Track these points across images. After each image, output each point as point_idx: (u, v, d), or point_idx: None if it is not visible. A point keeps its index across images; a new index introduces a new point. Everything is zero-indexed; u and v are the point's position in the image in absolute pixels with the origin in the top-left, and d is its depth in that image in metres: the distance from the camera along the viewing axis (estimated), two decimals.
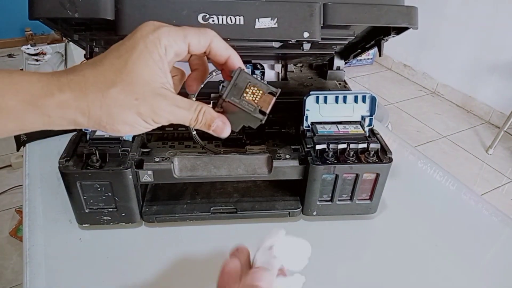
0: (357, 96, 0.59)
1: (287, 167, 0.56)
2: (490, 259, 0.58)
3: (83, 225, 0.58)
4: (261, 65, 0.65)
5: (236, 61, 0.37)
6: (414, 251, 0.58)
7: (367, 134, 0.59)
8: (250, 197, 0.63)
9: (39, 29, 3.36)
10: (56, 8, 0.44)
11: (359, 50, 0.68)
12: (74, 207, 0.56)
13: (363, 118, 0.61)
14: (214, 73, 0.62)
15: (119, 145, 0.54)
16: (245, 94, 0.35)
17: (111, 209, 0.56)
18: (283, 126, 0.66)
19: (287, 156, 0.57)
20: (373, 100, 0.59)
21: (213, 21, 0.47)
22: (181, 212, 0.59)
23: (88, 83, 0.30)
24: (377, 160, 0.56)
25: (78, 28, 0.55)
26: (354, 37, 0.60)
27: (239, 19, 0.47)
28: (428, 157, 0.79)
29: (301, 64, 0.81)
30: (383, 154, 0.57)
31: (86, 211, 0.56)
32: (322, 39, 0.50)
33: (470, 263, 0.57)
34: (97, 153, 0.52)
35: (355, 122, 0.60)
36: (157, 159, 0.55)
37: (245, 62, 0.64)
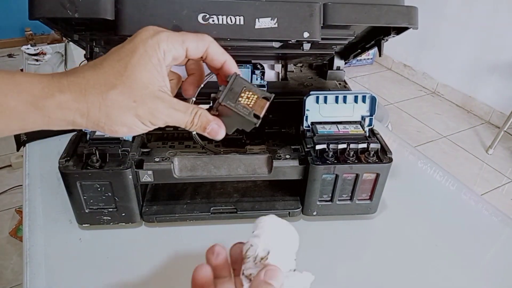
0: (357, 96, 0.59)
1: (287, 167, 0.56)
2: (490, 259, 0.58)
3: (83, 225, 0.58)
4: (261, 65, 0.65)
5: (231, 66, 0.38)
6: (414, 251, 0.58)
7: (367, 134, 0.59)
8: (250, 197, 0.63)
9: (39, 29, 3.36)
10: (56, 8, 0.44)
11: (359, 50, 0.68)
12: (74, 207, 0.56)
13: (363, 118, 0.61)
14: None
15: (119, 145, 0.54)
16: (240, 99, 0.36)
17: (111, 209, 0.56)
18: (283, 126, 0.66)
19: (287, 156, 0.57)
20: (373, 100, 0.59)
21: (213, 21, 0.47)
22: (181, 212, 0.59)
23: (88, 85, 0.31)
24: (377, 160, 0.56)
25: (78, 28, 0.55)
26: (354, 37, 0.60)
27: (239, 19, 0.47)
28: (428, 157, 0.79)
29: (301, 64, 0.81)
30: (383, 154, 0.57)
31: (86, 211, 0.56)
32: (322, 39, 0.50)
33: (470, 263, 0.57)
34: (97, 153, 0.52)
35: (355, 122, 0.60)
36: (157, 159, 0.55)
37: (245, 62, 0.64)
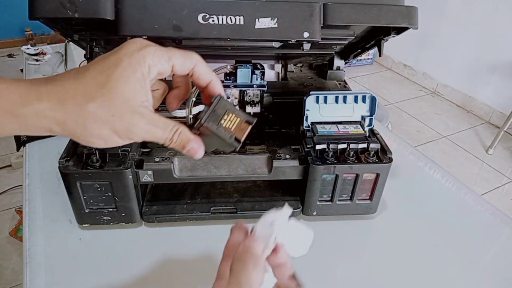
0: (357, 96, 0.59)
1: (287, 167, 0.56)
2: (490, 259, 0.58)
3: (83, 225, 0.58)
4: (261, 65, 0.65)
5: (217, 87, 0.38)
6: (414, 251, 0.58)
7: (367, 134, 0.59)
8: (250, 197, 0.63)
9: (39, 29, 3.36)
10: (56, 8, 0.44)
11: (359, 50, 0.68)
12: (74, 207, 0.56)
13: (363, 118, 0.61)
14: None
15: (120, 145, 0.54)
16: (222, 121, 0.36)
17: (111, 209, 0.56)
18: (283, 126, 0.66)
19: (287, 156, 0.57)
20: (373, 100, 0.59)
21: (213, 21, 0.47)
22: (181, 212, 0.59)
23: (67, 94, 0.31)
24: (377, 160, 0.56)
25: (78, 28, 0.55)
26: (354, 37, 0.60)
27: (239, 19, 0.47)
28: (428, 157, 0.79)
29: (301, 64, 0.81)
30: (383, 154, 0.57)
31: (86, 211, 0.56)
32: (322, 39, 0.50)
33: (470, 263, 0.57)
34: (97, 153, 0.52)
35: (355, 122, 0.60)
36: (157, 159, 0.55)
37: (245, 62, 0.64)
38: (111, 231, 0.58)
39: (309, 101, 0.59)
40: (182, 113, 0.60)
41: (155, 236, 0.58)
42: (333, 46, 0.66)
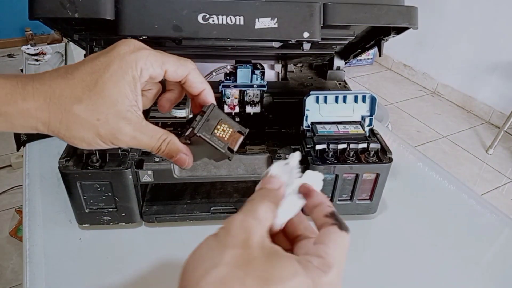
0: (357, 96, 0.59)
1: None
2: (490, 259, 0.58)
3: (83, 225, 0.58)
4: (261, 65, 0.65)
5: (209, 96, 0.37)
6: (414, 251, 0.58)
7: (367, 134, 0.59)
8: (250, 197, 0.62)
9: (39, 29, 3.36)
10: (56, 8, 0.44)
11: (359, 50, 0.68)
12: (74, 207, 0.56)
13: (363, 118, 0.61)
14: (214, 73, 0.62)
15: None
16: (216, 131, 0.36)
17: (111, 209, 0.56)
18: (283, 126, 0.66)
19: (287, 156, 0.57)
20: (373, 100, 0.59)
21: (213, 21, 0.47)
22: (181, 212, 0.59)
23: (53, 95, 0.30)
24: (377, 160, 0.56)
25: (78, 28, 0.55)
26: (354, 37, 0.60)
27: (239, 19, 0.47)
28: (428, 157, 0.79)
29: (301, 64, 0.81)
30: (383, 154, 0.57)
31: (86, 211, 0.56)
32: (322, 39, 0.50)
33: (470, 263, 0.57)
34: (97, 153, 0.52)
35: (355, 122, 0.60)
36: (157, 159, 0.55)
37: (245, 62, 0.64)
38: (111, 231, 0.58)
39: (309, 101, 0.59)
40: (182, 113, 0.60)
41: (155, 236, 0.58)
42: (333, 46, 0.66)
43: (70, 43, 1.01)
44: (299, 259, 0.26)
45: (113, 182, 0.53)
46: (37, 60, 1.19)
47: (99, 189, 0.54)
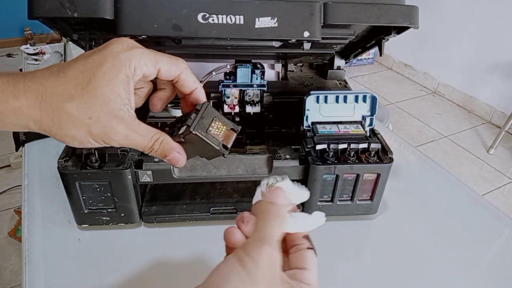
0: (358, 96, 0.59)
1: (287, 167, 0.56)
2: (491, 260, 0.58)
3: (82, 225, 0.58)
4: (261, 65, 0.65)
5: (201, 95, 0.37)
6: (415, 251, 0.58)
7: (368, 134, 0.59)
8: (250, 197, 0.62)
9: (38, 28, 3.36)
10: (55, 7, 0.44)
11: (359, 50, 0.68)
12: (73, 208, 0.55)
13: (363, 118, 0.60)
14: (214, 73, 0.62)
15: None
16: (210, 128, 0.37)
17: (110, 210, 0.56)
18: (283, 126, 0.66)
19: (287, 156, 0.57)
20: (373, 100, 0.59)
21: (212, 20, 0.47)
22: (181, 212, 0.59)
23: (45, 93, 0.30)
24: (377, 160, 0.56)
25: (77, 27, 0.55)
26: (354, 37, 0.60)
27: (239, 18, 0.47)
28: (429, 157, 0.78)
29: (301, 64, 0.80)
30: (383, 154, 0.57)
31: (85, 211, 0.56)
32: (323, 38, 0.50)
33: (471, 263, 0.57)
34: (96, 153, 0.52)
35: (355, 122, 0.60)
36: (156, 159, 0.54)
37: (245, 62, 0.63)
38: (110, 232, 0.58)
39: (310, 101, 0.58)
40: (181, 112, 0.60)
41: (154, 237, 0.58)
42: (333, 46, 0.66)
43: (69, 42, 1.01)
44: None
45: (112, 182, 0.53)
46: (36, 60, 1.18)
47: (98, 189, 0.53)
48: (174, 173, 0.55)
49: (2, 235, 1.59)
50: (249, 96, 0.64)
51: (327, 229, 0.60)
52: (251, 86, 0.63)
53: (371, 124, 0.60)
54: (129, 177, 0.53)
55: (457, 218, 0.65)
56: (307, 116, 0.59)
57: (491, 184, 2.03)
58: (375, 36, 0.60)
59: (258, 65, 0.64)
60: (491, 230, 0.63)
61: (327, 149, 0.56)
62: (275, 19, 0.48)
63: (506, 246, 0.61)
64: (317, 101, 0.59)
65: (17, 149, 0.77)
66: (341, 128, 0.59)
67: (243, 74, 0.62)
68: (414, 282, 0.54)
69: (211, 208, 0.60)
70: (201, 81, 0.53)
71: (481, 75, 2.58)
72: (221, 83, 0.63)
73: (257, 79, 0.63)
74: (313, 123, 0.60)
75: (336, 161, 0.55)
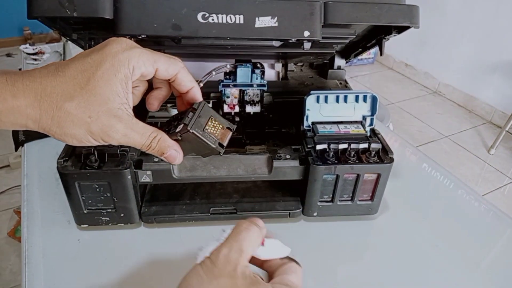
0: (358, 95, 0.59)
1: (288, 168, 0.56)
2: (492, 260, 0.58)
3: (82, 225, 0.57)
4: (261, 64, 0.65)
5: (197, 94, 0.38)
6: (416, 252, 0.58)
7: (368, 134, 0.58)
8: (250, 197, 0.62)
9: (38, 28, 3.36)
10: (54, 7, 0.44)
11: (360, 49, 0.68)
12: (72, 208, 0.55)
13: (364, 117, 0.60)
14: (213, 72, 0.62)
15: (118, 145, 0.53)
16: (207, 127, 0.37)
17: (109, 210, 0.56)
18: (283, 126, 0.66)
19: (288, 156, 0.56)
20: (374, 99, 0.59)
21: (212, 20, 0.46)
22: (181, 212, 0.59)
23: (44, 92, 0.30)
24: (378, 160, 0.56)
25: (76, 27, 0.55)
26: (355, 36, 0.59)
27: (239, 17, 0.47)
28: (429, 157, 0.78)
29: (301, 63, 0.80)
30: (384, 154, 0.57)
31: (85, 211, 0.55)
32: (323, 38, 0.50)
33: (471, 264, 0.57)
34: (96, 153, 0.52)
35: (356, 122, 0.60)
36: (156, 159, 0.54)
37: (245, 61, 0.63)
38: (110, 232, 0.57)
39: (310, 101, 0.58)
40: None
41: (154, 237, 0.58)
42: (333, 45, 0.65)
43: (69, 42, 1.01)
44: (273, 287, 0.31)
45: (112, 182, 0.53)
46: (35, 60, 1.18)
47: (97, 190, 0.53)
48: (174, 173, 0.55)
49: (1, 235, 1.59)
50: (249, 96, 0.64)
51: (328, 230, 0.60)
52: (251, 85, 0.63)
53: (371, 124, 0.60)
54: (129, 177, 0.52)
55: (457, 219, 0.64)
56: (307, 116, 0.59)
57: (491, 184, 2.03)
58: (375, 36, 0.60)
59: (258, 65, 0.64)
60: (492, 230, 0.63)
61: (328, 149, 0.56)
62: (275, 18, 0.47)
63: (507, 247, 0.61)
64: (318, 101, 0.58)
65: (16, 149, 0.77)
66: (341, 128, 0.59)
67: (243, 73, 0.62)
68: (414, 283, 0.53)
69: (211, 208, 0.59)
70: (201, 81, 0.53)
71: (482, 75, 2.58)
72: (221, 83, 0.63)
73: (257, 78, 0.62)
74: (313, 123, 0.59)
75: (336, 161, 0.55)
